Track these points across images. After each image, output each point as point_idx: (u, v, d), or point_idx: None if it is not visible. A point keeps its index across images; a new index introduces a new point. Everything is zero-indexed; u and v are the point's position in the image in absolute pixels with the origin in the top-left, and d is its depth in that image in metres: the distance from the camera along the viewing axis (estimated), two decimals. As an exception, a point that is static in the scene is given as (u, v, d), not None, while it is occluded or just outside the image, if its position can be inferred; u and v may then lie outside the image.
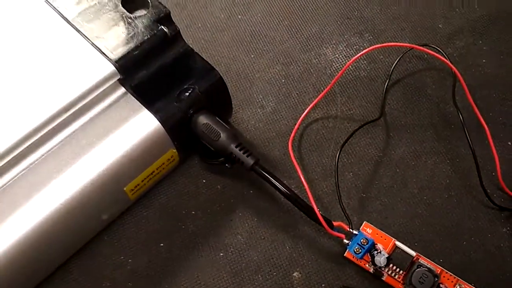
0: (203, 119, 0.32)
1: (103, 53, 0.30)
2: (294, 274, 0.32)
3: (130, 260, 0.33)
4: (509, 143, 0.36)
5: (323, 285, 0.31)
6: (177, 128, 0.32)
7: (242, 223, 0.34)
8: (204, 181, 0.35)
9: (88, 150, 0.30)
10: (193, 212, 0.34)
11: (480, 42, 0.41)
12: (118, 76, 0.31)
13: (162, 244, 0.33)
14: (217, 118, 0.33)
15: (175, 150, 0.33)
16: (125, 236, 0.33)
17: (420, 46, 0.37)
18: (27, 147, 0.29)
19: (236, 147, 0.32)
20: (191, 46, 0.41)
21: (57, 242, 0.30)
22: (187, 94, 0.32)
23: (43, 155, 0.29)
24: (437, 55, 0.35)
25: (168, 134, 0.31)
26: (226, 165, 0.33)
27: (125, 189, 0.31)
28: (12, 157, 0.28)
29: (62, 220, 0.29)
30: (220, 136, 0.32)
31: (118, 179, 0.30)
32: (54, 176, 0.29)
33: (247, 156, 0.32)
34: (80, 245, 0.32)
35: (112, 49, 0.31)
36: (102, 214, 0.31)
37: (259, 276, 0.32)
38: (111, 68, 0.30)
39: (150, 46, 0.31)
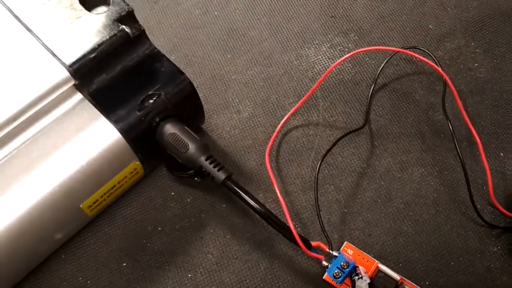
0: (169, 129, 0.29)
1: (56, 56, 0.27)
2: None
3: (89, 282, 0.30)
4: (502, 154, 0.34)
5: (299, 310, 0.29)
6: (141, 139, 0.29)
7: (213, 241, 0.31)
8: (172, 193, 0.33)
9: (39, 163, 0.27)
10: (159, 228, 0.31)
11: (473, 44, 0.39)
12: (73, 82, 0.27)
13: (124, 264, 0.30)
14: (186, 127, 0.30)
15: (138, 163, 0.30)
16: (84, 255, 0.30)
17: (408, 49, 0.34)
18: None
19: (206, 159, 0.29)
20: (162, 44, 0.39)
21: (5, 264, 0.27)
22: (152, 101, 0.29)
23: (-14, 171, 0.26)
24: (426, 60, 0.32)
25: (130, 145, 0.28)
26: (196, 178, 0.30)
27: (81, 206, 0.28)
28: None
29: (10, 242, 0.26)
30: (189, 148, 0.29)
31: (73, 195, 0.27)
32: (0, 192, 0.26)
33: (218, 170, 0.29)
34: (32, 267, 0.29)
35: (66, 51, 0.27)
36: (56, 233, 0.28)
37: (230, 300, 0.29)
38: (65, 73, 0.27)
39: (109, 48, 0.28)
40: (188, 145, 0.29)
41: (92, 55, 0.27)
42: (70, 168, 0.27)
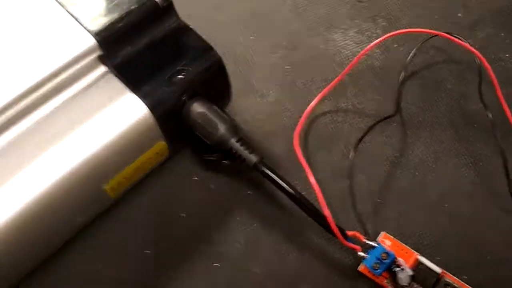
0: (198, 107, 0.28)
1: (81, 23, 0.25)
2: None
3: (109, 269, 0.28)
4: (538, 145, 0.33)
5: (333, 304, 0.27)
6: (168, 117, 0.27)
7: (240, 229, 0.29)
8: (196, 179, 0.31)
9: (60, 139, 0.25)
10: (183, 215, 0.30)
11: (502, 34, 0.37)
12: (99, 52, 0.25)
13: (147, 251, 0.28)
14: (215, 106, 0.28)
15: (164, 143, 0.28)
16: (104, 242, 0.28)
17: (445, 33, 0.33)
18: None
19: (237, 141, 0.27)
20: (182, 23, 0.37)
21: (20, 249, 0.24)
22: (181, 76, 0.27)
23: (2, 146, 0.24)
24: (464, 43, 0.31)
25: (158, 123, 0.26)
26: (225, 161, 0.29)
27: (105, 187, 0.26)
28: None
29: (26, 224, 0.24)
30: (219, 129, 0.27)
31: (97, 175, 0.25)
32: (16, 171, 0.24)
33: (250, 153, 0.27)
34: (50, 252, 0.27)
35: (91, 18, 0.25)
36: (77, 216, 0.26)
37: (260, 291, 0.28)
38: (91, 41, 0.25)
39: (137, 17, 0.26)
40: (218, 125, 0.27)
41: (120, 24, 0.25)
42: (95, 145, 0.25)
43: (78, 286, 0.27)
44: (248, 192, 0.30)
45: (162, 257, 0.28)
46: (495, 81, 0.31)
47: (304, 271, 0.28)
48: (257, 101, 0.34)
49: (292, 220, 0.29)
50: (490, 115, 0.31)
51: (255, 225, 0.29)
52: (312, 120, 0.33)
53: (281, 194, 0.29)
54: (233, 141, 0.27)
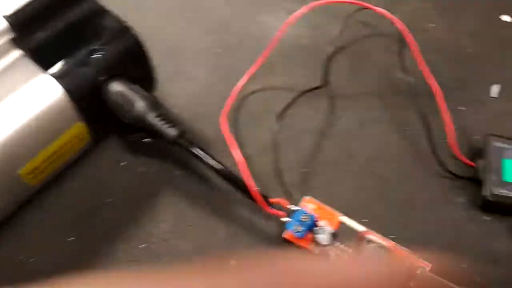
0: (116, 87, 0.28)
1: (-11, 6, 0.25)
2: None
3: (31, 260, 0.27)
4: (460, 108, 0.33)
5: (261, 272, 0.27)
6: (85, 97, 0.27)
7: (167, 209, 0.29)
8: (123, 163, 0.31)
9: (-31, 124, 0.24)
10: (109, 200, 0.29)
11: (428, 5, 0.38)
12: (11, 35, 0.25)
13: (72, 238, 0.28)
14: (134, 85, 0.28)
15: (83, 124, 0.28)
16: (26, 231, 0.28)
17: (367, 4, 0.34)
18: None
19: (156, 117, 0.27)
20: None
21: None
22: (97, 56, 0.27)
23: None
24: (385, 13, 0.32)
25: (74, 104, 0.26)
26: (145, 140, 0.28)
27: (19, 172, 0.26)
28: None
29: None
30: (135, 105, 0.27)
31: (10, 159, 0.25)
32: None
33: (170, 127, 0.27)
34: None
35: (3, 1, 0.25)
36: (-7, 203, 0.26)
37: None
38: (3, 23, 0.25)
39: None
40: (135, 102, 0.27)
41: (33, 6, 0.26)
42: (7, 127, 0.25)
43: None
44: (176, 173, 0.30)
45: (86, 243, 0.27)
46: (416, 48, 0.32)
47: (232, 244, 0.28)
48: (186, 85, 0.34)
49: (220, 197, 0.29)
50: (412, 81, 0.32)
51: (182, 204, 0.29)
52: (242, 99, 0.34)
53: (207, 174, 0.29)
54: (150, 116, 0.27)
